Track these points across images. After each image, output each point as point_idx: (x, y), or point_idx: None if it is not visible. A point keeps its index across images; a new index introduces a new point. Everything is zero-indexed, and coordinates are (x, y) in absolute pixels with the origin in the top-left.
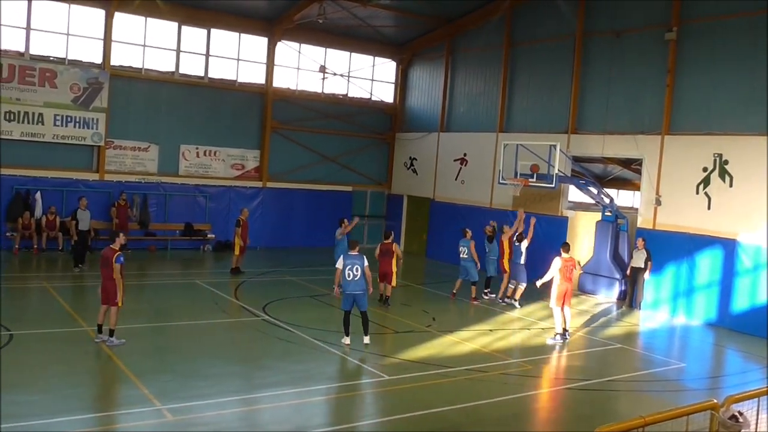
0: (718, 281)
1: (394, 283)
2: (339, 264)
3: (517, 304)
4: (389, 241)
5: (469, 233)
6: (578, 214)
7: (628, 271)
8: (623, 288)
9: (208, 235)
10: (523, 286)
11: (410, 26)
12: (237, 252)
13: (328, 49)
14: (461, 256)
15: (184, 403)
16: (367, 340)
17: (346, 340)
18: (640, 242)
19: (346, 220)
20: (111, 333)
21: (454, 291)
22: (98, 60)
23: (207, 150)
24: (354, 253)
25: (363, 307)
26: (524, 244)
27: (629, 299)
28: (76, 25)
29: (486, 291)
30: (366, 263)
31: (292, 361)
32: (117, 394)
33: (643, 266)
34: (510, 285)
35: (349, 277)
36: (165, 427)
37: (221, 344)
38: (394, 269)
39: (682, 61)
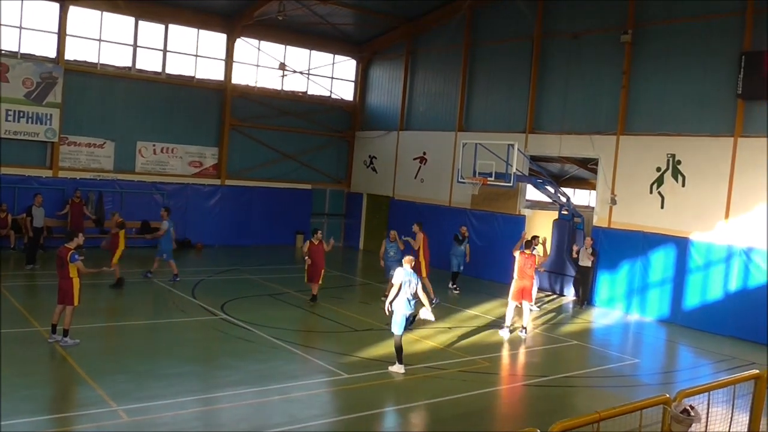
0: (670, 279)
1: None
2: (397, 279)
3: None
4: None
5: (394, 233)
6: (536, 213)
7: (575, 273)
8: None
9: None
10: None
11: (370, 25)
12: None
13: (287, 47)
14: (389, 254)
15: (141, 403)
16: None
17: (401, 369)
18: (587, 241)
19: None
20: (65, 333)
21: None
22: (52, 54)
23: (164, 147)
24: (410, 269)
25: (410, 323)
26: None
27: (582, 298)
28: (29, 18)
29: (453, 286)
30: (420, 282)
31: (250, 360)
32: (71, 395)
33: (590, 265)
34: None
35: (410, 296)
36: (121, 428)
37: (179, 344)
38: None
39: (637, 63)
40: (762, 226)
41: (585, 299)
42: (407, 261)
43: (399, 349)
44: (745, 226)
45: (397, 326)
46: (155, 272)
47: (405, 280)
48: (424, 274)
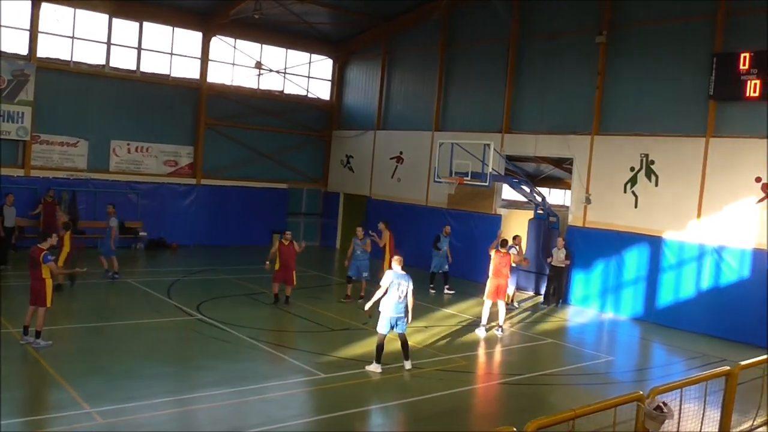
0: (644, 277)
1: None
2: (385, 281)
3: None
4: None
5: (360, 230)
6: (512, 212)
7: (548, 271)
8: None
9: (140, 233)
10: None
11: (347, 24)
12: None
13: (264, 46)
14: (356, 252)
15: (116, 405)
16: (408, 365)
17: (378, 368)
18: (560, 241)
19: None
20: (38, 334)
21: (349, 294)
22: (24, 51)
23: (139, 146)
24: (401, 270)
25: (402, 329)
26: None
27: (557, 297)
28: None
29: (446, 287)
30: (411, 285)
31: (227, 361)
32: (44, 397)
33: (563, 265)
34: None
35: (399, 298)
36: (95, 430)
37: (154, 344)
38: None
39: (611, 64)
40: (733, 224)
41: (559, 299)
42: (396, 261)
43: (380, 348)
44: (717, 225)
45: (383, 326)
46: (120, 272)
47: (394, 282)
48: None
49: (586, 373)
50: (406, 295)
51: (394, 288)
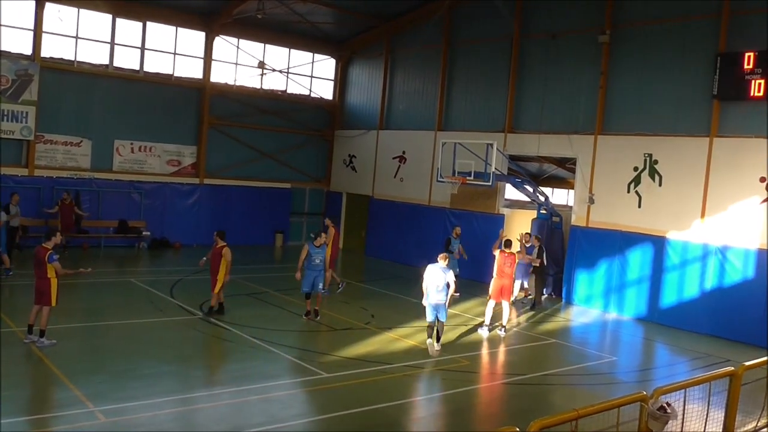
0: (647, 277)
1: (216, 290)
2: (425, 283)
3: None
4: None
5: (323, 239)
6: (515, 212)
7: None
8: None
9: (143, 233)
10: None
11: (350, 24)
12: None
13: (267, 45)
14: (314, 262)
15: (118, 404)
16: (437, 346)
17: (435, 345)
18: (535, 240)
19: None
20: (42, 334)
21: (314, 308)
22: (28, 51)
23: (142, 145)
24: (444, 264)
25: (443, 318)
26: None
27: (533, 298)
28: (4, 14)
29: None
30: (453, 276)
31: (229, 360)
32: (48, 396)
33: (536, 264)
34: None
35: (437, 288)
36: (98, 429)
37: (157, 344)
38: (221, 274)
39: (614, 63)
40: (737, 225)
41: (536, 300)
42: (441, 258)
43: (429, 330)
44: (721, 225)
45: (428, 314)
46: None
47: (427, 276)
48: (327, 265)
49: (589, 373)
50: (446, 285)
51: (432, 286)
